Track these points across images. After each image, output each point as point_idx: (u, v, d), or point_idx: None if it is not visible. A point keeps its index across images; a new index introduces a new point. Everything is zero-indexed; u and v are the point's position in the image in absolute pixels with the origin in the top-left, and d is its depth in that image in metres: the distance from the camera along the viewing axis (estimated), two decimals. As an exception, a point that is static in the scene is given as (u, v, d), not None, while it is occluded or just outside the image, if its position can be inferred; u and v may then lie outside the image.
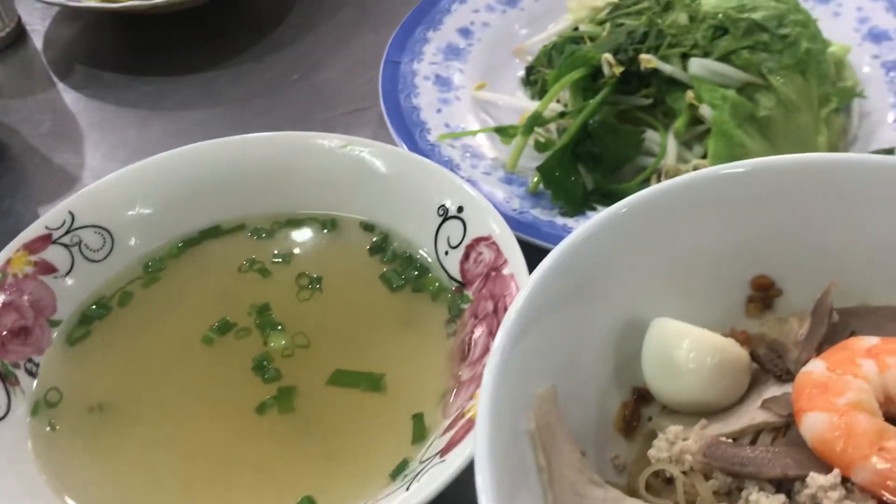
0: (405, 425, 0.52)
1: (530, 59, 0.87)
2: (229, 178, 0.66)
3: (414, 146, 0.74)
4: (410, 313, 0.60)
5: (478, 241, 0.59)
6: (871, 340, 0.47)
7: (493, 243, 0.58)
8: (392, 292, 0.61)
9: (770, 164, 0.54)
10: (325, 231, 0.66)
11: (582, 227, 0.51)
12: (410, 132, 0.76)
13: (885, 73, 0.79)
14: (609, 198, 0.71)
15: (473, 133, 0.77)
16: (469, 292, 0.58)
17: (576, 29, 0.85)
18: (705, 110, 0.68)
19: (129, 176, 0.65)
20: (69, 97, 0.93)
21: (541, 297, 0.48)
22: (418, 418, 0.52)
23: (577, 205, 0.69)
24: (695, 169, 0.69)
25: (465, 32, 0.88)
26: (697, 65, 0.70)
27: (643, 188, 0.69)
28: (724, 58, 0.70)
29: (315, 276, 0.63)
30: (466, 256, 0.59)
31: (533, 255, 0.49)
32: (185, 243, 0.66)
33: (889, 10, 0.84)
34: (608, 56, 0.73)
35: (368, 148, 0.65)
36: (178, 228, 0.66)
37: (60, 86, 0.95)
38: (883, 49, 0.81)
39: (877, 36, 0.83)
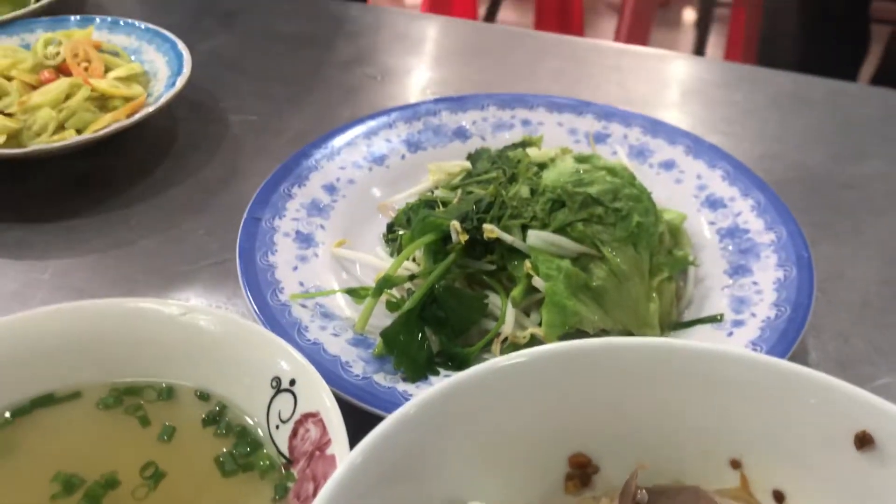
0: None
1: (393, 215, 0.90)
2: (63, 346, 0.65)
3: (265, 306, 0.75)
4: (237, 495, 0.59)
5: (306, 416, 0.59)
6: (661, 531, 0.48)
7: (320, 420, 0.58)
8: (224, 476, 0.60)
9: (583, 347, 0.56)
10: (162, 400, 0.65)
11: (396, 413, 0.52)
12: (263, 292, 0.77)
13: (719, 240, 0.85)
14: (454, 361, 0.73)
15: (324, 294, 0.78)
16: (295, 471, 0.58)
17: (434, 190, 0.88)
18: (538, 282, 0.71)
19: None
20: (-78, 243, 0.92)
21: (350, 485, 0.49)
22: None
23: (420, 370, 0.71)
24: (532, 336, 0.72)
25: (329, 189, 0.91)
26: (535, 236, 0.73)
27: (485, 353, 0.71)
28: (561, 229, 0.74)
29: (157, 468, 0.61)
30: (295, 433, 0.59)
31: (374, 424, 0.49)
32: (14, 413, 0.64)
33: (725, 179, 0.90)
34: (455, 224, 0.76)
35: (207, 316, 0.65)
36: (5, 398, 0.64)
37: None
38: (718, 216, 0.87)
39: (713, 203, 0.89)
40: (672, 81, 1.20)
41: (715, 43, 4.25)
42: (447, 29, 1.40)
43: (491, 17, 4.49)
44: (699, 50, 3.90)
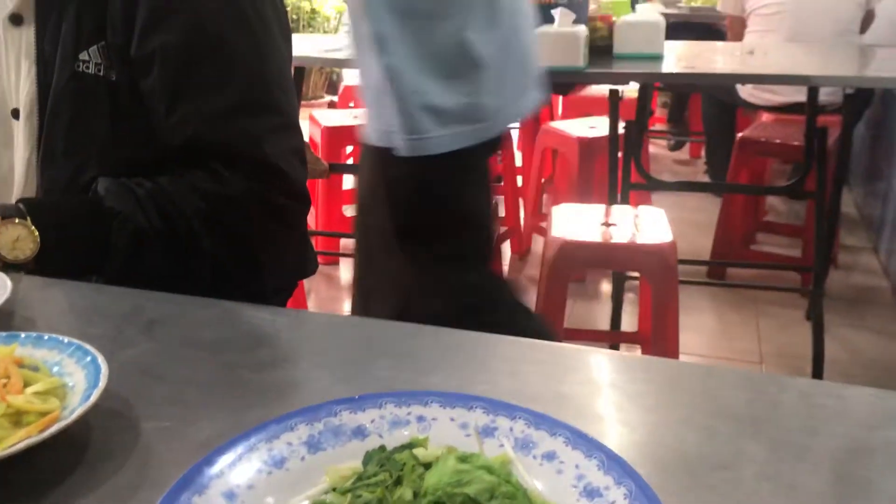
0: None
1: (291, 519, 0.94)
2: None
3: None
4: None
5: None
6: None
7: None
8: None
9: None
10: None
11: None
12: None
13: (597, 529, 0.90)
14: None
15: None
16: None
17: (328, 493, 0.94)
18: (417, 586, 0.76)
19: None
20: None
21: None
22: None
23: None
24: None
25: (229, 496, 0.95)
26: (415, 541, 0.79)
27: None
28: (441, 531, 0.80)
29: None
30: None
31: None
32: None
33: (601, 469, 0.98)
34: (343, 529, 0.81)
35: None
36: None
37: None
38: (595, 506, 0.94)
39: (591, 492, 0.95)
40: (560, 372, 1.31)
41: (631, 311, 4.54)
42: (360, 327, 1.52)
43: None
44: (615, 320, 4.16)
